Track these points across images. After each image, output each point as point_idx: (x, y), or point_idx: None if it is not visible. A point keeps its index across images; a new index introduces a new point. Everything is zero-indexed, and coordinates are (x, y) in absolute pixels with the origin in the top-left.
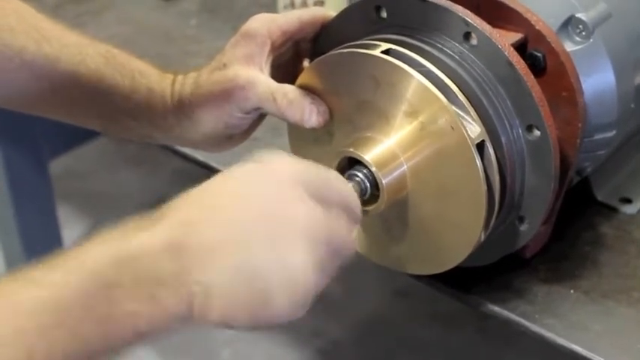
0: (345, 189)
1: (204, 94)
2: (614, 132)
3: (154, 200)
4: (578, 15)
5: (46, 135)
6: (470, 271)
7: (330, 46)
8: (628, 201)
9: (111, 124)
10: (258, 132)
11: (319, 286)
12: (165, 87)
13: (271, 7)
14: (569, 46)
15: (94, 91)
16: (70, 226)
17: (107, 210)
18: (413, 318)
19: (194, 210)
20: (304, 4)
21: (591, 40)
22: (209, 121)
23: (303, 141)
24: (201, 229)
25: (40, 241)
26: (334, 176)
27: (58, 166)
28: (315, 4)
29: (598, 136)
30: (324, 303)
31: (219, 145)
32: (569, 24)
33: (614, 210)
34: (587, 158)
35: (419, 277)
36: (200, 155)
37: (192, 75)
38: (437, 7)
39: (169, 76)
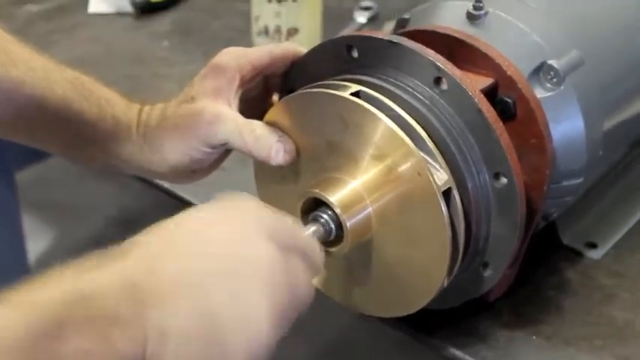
0: (308, 239)
1: (170, 127)
2: (581, 179)
3: (122, 213)
4: (550, 62)
5: (12, 145)
6: (434, 312)
7: (300, 82)
8: (593, 246)
9: (74, 151)
10: (227, 162)
11: (276, 336)
12: (132, 117)
13: (245, 32)
14: (539, 92)
15: (58, 117)
16: (34, 238)
17: (73, 222)
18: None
19: (155, 249)
20: (278, 32)
21: (562, 87)
22: (174, 154)
23: (269, 178)
24: (160, 269)
25: (3, 252)
26: (297, 225)
27: (26, 175)
28: (289, 31)
29: (565, 183)
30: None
31: (184, 177)
32: (541, 70)
33: (579, 255)
34: (554, 204)
35: (384, 319)
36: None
37: (159, 106)
38: (408, 50)
39: (136, 106)
